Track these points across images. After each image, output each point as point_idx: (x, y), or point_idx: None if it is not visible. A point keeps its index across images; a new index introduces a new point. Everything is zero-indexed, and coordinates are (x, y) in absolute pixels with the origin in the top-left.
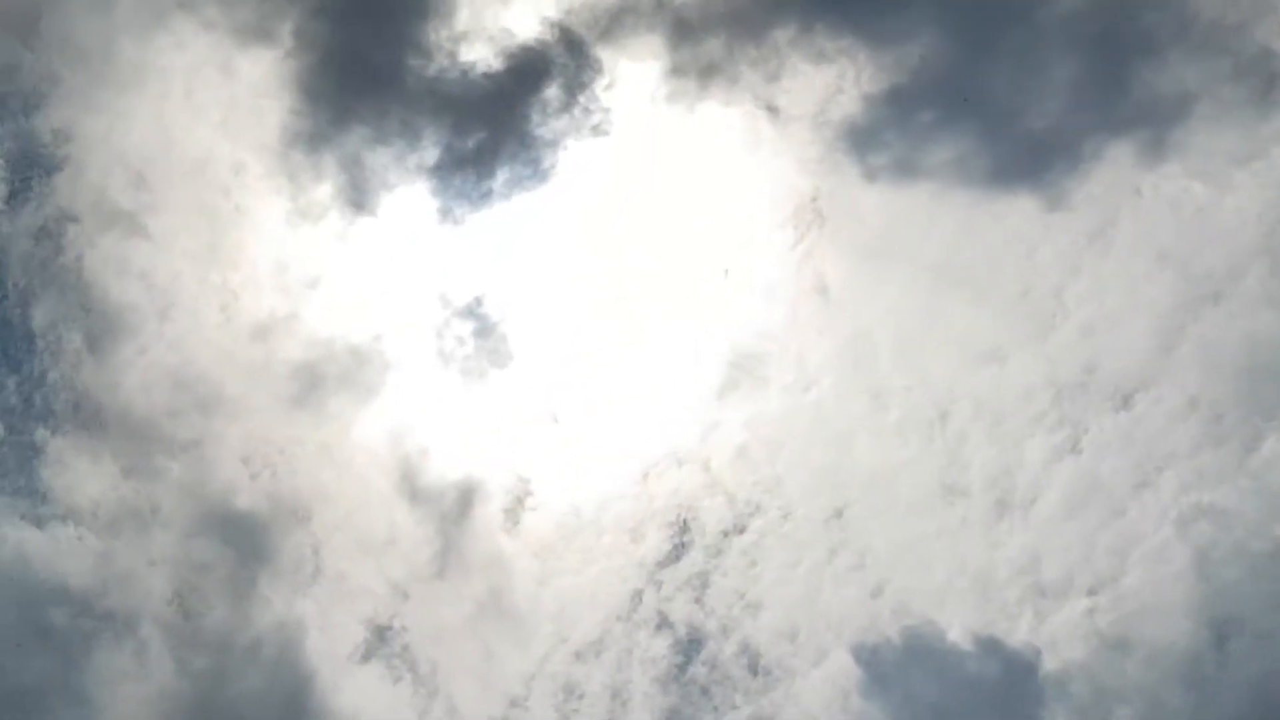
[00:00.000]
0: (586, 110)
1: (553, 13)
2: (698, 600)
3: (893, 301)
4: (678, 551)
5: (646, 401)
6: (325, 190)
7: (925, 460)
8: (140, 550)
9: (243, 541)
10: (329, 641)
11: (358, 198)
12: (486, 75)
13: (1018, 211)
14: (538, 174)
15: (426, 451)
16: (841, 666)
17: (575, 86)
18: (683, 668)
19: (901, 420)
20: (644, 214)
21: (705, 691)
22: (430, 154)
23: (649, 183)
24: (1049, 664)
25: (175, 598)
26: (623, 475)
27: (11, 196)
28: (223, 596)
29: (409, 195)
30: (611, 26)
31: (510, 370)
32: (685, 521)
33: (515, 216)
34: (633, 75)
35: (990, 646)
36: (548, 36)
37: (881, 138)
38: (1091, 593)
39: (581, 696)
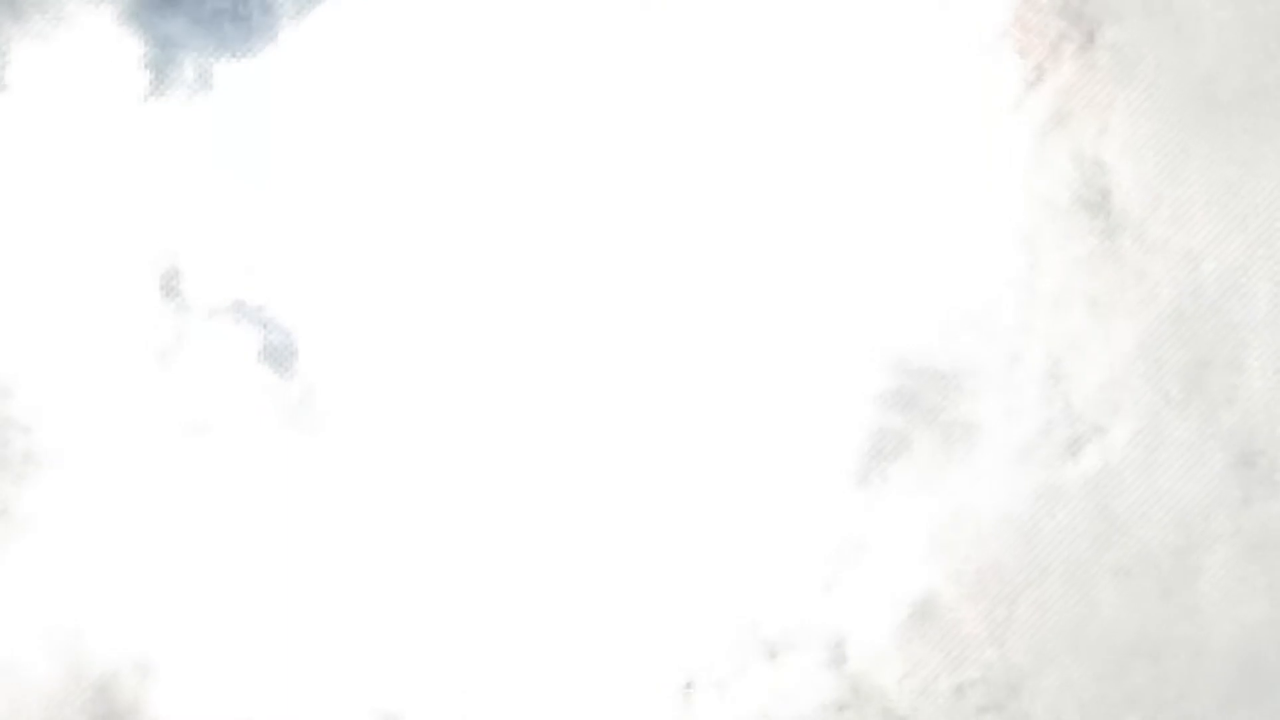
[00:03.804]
0: None
1: None
2: None
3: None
4: None
5: (682, 512)
6: None
7: None
8: None
9: None
10: None
11: None
12: None
13: None
14: None
15: (150, 669)
16: None
17: None
18: None
19: None
20: (658, 70)
21: None
22: None
23: None
24: None
25: None
26: (638, 693)
27: None
28: None
29: (72, 38)
30: None
31: (336, 452)
32: None
33: (315, 79)
34: None
35: None
36: None
37: None
38: None
39: None
